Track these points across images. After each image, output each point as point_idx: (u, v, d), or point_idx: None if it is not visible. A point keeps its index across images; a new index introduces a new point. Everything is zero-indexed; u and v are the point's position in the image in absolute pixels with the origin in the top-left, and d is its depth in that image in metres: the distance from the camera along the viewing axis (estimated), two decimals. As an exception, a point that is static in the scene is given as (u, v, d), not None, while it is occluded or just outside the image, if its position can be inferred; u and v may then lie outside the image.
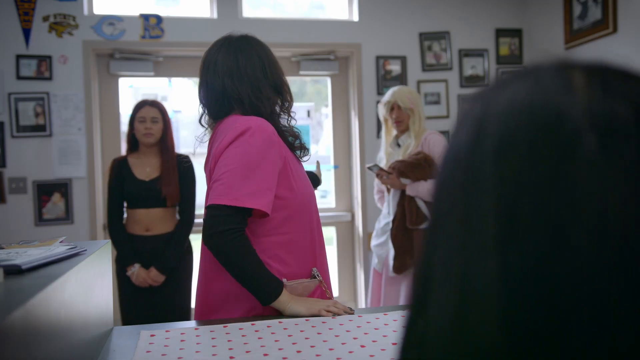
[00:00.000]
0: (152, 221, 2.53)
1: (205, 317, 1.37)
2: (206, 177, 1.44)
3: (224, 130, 1.35)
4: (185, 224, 2.60)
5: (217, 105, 1.39)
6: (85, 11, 3.24)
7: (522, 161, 0.32)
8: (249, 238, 1.29)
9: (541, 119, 0.33)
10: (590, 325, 0.30)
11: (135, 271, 2.49)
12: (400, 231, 2.61)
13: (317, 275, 1.40)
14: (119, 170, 2.54)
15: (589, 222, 0.30)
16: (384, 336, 1.16)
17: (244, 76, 1.36)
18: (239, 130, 1.28)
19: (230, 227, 1.24)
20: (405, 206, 2.60)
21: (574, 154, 0.31)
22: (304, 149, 1.45)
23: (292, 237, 1.36)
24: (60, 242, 1.11)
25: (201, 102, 1.43)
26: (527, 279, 0.31)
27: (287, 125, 1.45)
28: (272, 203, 1.28)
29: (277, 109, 1.43)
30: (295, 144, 1.42)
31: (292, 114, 1.46)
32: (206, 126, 1.47)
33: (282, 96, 1.42)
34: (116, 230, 2.54)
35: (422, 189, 2.55)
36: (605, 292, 0.30)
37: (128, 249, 2.52)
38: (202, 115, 1.46)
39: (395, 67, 3.62)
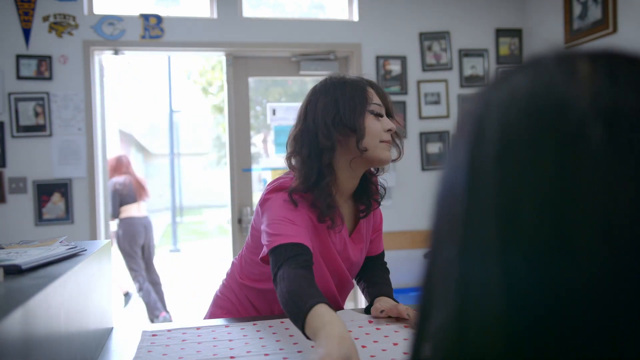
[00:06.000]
0: None
1: None
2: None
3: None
4: None
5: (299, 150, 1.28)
6: (85, 11, 3.24)
7: (523, 157, 0.30)
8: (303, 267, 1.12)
9: (543, 110, 0.30)
10: (594, 330, 0.28)
11: None
12: None
13: None
14: None
15: (594, 222, 0.28)
16: (385, 337, 1.16)
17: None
18: (263, 198, 1.26)
19: (289, 256, 1.12)
20: None
21: (578, 147, 0.29)
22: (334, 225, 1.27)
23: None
24: (60, 242, 1.10)
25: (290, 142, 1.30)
26: (529, 282, 0.29)
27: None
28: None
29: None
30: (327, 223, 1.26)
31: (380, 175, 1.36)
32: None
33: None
34: None
35: None
36: (612, 296, 0.27)
37: None
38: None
39: (395, 67, 3.62)
